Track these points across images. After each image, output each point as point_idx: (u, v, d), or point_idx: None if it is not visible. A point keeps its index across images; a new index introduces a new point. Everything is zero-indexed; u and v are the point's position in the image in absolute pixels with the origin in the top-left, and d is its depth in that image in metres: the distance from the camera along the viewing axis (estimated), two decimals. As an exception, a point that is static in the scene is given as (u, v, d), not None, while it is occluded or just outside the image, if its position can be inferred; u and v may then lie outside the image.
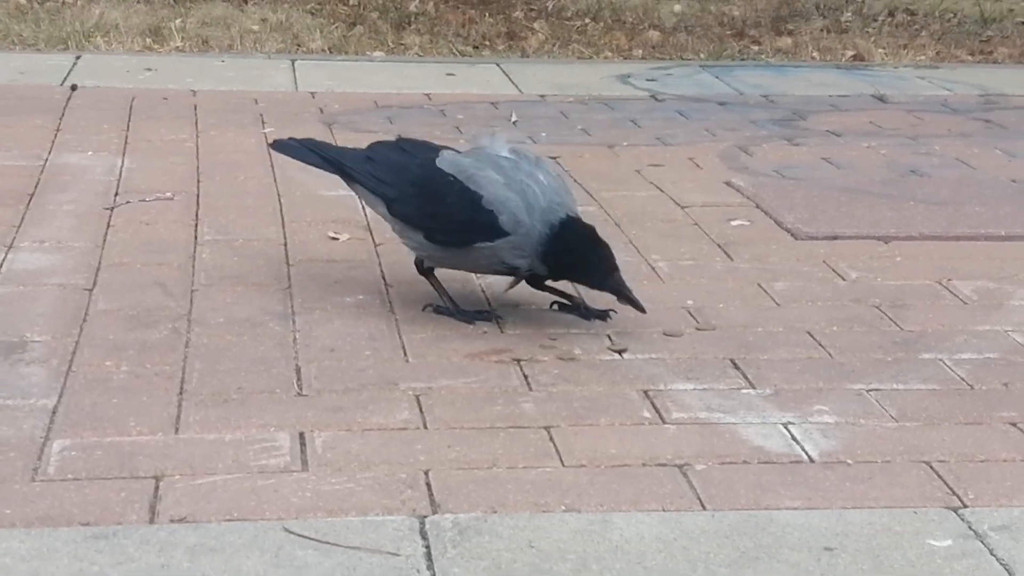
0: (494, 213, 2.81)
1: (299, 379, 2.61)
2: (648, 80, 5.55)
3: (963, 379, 2.69)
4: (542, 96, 5.23)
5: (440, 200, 2.86)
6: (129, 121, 4.65)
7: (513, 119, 4.79)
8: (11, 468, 2.24)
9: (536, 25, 6.57)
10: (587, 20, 6.72)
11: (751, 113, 5.02)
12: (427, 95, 5.19)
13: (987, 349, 2.85)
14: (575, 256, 2.82)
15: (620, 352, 2.78)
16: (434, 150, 3.00)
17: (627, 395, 2.58)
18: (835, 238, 3.56)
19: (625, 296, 2.86)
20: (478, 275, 3.15)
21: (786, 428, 2.46)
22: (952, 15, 7.08)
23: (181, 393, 2.54)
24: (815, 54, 6.24)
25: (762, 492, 2.23)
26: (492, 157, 2.90)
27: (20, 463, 2.25)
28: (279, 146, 3.16)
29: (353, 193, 3.17)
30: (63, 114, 4.70)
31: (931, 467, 2.32)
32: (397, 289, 3.12)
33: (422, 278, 3.04)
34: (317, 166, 3.10)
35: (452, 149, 3.02)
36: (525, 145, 3.06)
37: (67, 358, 2.68)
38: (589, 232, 2.86)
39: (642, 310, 2.86)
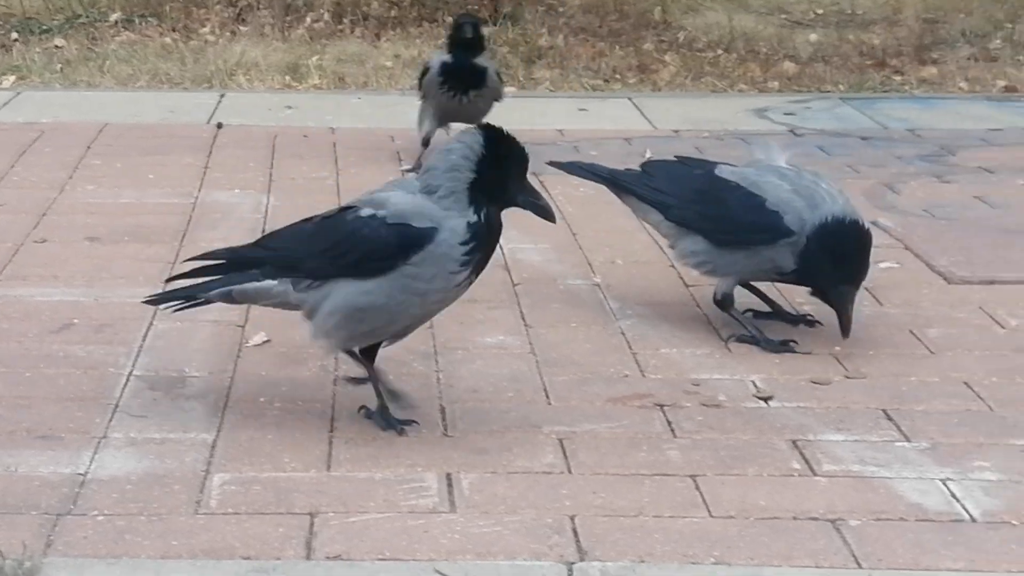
0: (779, 214, 2.97)
1: (444, 419, 2.66)
2: (786, 114, 5.48)
3: None
4: (676, 131, 5.22)
5: (722, 203, 3.06)
6: (273, 159, 4.80)
7: (648, 155, 4.79)
8: (176, 500, 2.34)
9: (667, 57, 6.57)
10: (719, 51, 6.68)
11: (896, 148, 4.87)
12: (559, 131, 5.23)
13: None
14: (827, 257, 2.98)
15: (766, 399, 2.76)
16: (712, 164, 3.22)
17: (775, 444, 2.56)
18: (992, 282, 3.44)
19: (844, 315, 2.99)
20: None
21: (945, 484, 2.40)
22: (1110, 42, 6.81)
23: (332, 431, 2.61)
24: (963, 84, 6.04)
25: (921, 551, 2.17)
26: (773, 167, 3.11)
27: (184, 496, 2.36)
28: (557, 164, 3.43)
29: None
30: (211, 152, 4.87)
31: None
32: (536, 330, 3.15)
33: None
34: (588, 179, 3.37)
35: (729, 164, 3.22)
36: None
37: (223, 393, 2.78)
38: (855, 234, 3.00)
39: (845, 334, 2.99)
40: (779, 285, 3.30)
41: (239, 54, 6.44)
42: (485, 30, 4.82)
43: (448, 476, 2.43)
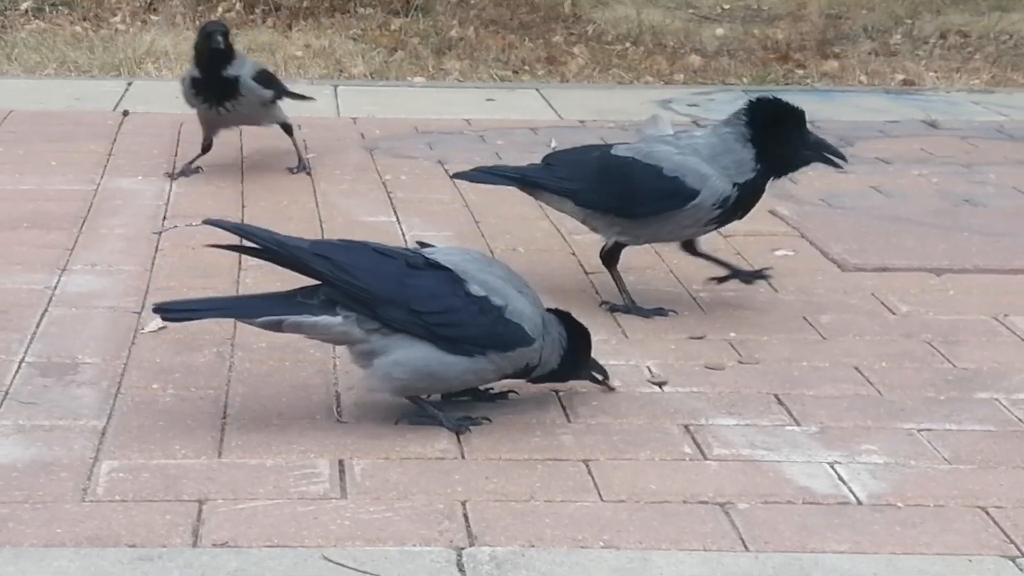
0: (678, 178, 3.03)
1: (339, 406, 2.65)
2: (689, 105, 5.55)
3: (1021, 420, 2.63)
4: (582, 122, 5.27)
5: (624, 180, 3.13)
6: (177, 146, 4.75)
7: (552, 145, 4.83)
8: (62, 488, 2.31)
9: (576, 50, 6.62)
10: (627, 44, 6.76)
11: (796, 139, 4.99)
12: (467, 120, 5.25)
13: (1047, 390, 2.78)
14: (779, 129, 3.04)
15: (660, 385, 2.78)
16: (608, 145, 3.32)
17: (667, 429, 2.58)
18: (884, 270, 3.49)
19: (830, 150, 3.09)
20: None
21: (832, 468, 2.43)
22: (1008, 37, 6.94)
23: (224, 417, 2.59)
24: (863, 78, 6.17)
25: (807, 534, 2.19)
26: (660, 137, 3.20)
27: (71, 483, 2.32)
28: (461, 176, 3.43)
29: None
30: (115, 139, 4.81)
31: (987, 513, 2.27)
32: (437, 317, 3.15)
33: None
34: (497, 184, 3.38)
35: (623, 143, 3.31)
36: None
37: (116, 380, 2.75)
38: (778, 103, 3.06)
39: (844, 159, 3.10)
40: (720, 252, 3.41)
41: (149, 43, 6.36)
42: (233, 36, 4.42)
43: (340, 462, 2.42)
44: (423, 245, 2.69)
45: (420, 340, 2.49)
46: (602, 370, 2.69)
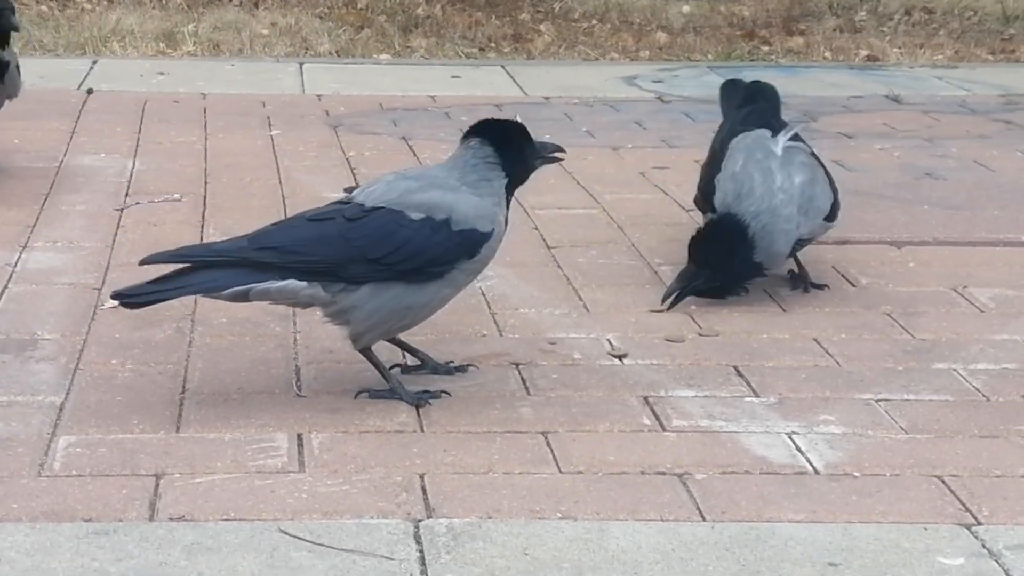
0: (711, 192, 3.15)
1: (298, 380, 2.65)
2: (654, 81, 5.57)
3: (978, 390, 2.65)
4: (546, 98, 5.27)
5: (709, 168, 3.27)
6: (141, 124, 4.72)
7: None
8: (19, 463, 2.29)
9: (542, 27, 6.62)
10: (594, 22, 6.76)
11: (760, 115, 5.00)
12: (432, 97, 5.23)
13: (1004, 359, 2.79)
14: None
15: (620, 357, 2.78)
16: (772, 125, 3.28)
17: (627, 401, 2.58)
18: (845, 243, 3.50)
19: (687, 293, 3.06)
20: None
21: (790, 438, 2.44)
22: (972, 13, 6.99)
23: (183, 392, 2.58)
24: (827, 54, 6.21)
25: (764, 504, 2.20)
26: (768, 141, 3.19)
27: (27, 459, 2.31)
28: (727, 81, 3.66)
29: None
30: (79, 117, 4.78)
31: (943, 481, 2.28)
32: (399, 292, 3.15)
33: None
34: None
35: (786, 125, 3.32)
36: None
37: (75, 356, 2.73)
38: (711, 225, 3.09)
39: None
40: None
41: (115, 22, 6.33)
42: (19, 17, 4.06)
43: (299, 436, 2.42)
44: (349, 191, 2.68)
45: (386, 283, 2.49)
46: (550, 150, 2.63)
